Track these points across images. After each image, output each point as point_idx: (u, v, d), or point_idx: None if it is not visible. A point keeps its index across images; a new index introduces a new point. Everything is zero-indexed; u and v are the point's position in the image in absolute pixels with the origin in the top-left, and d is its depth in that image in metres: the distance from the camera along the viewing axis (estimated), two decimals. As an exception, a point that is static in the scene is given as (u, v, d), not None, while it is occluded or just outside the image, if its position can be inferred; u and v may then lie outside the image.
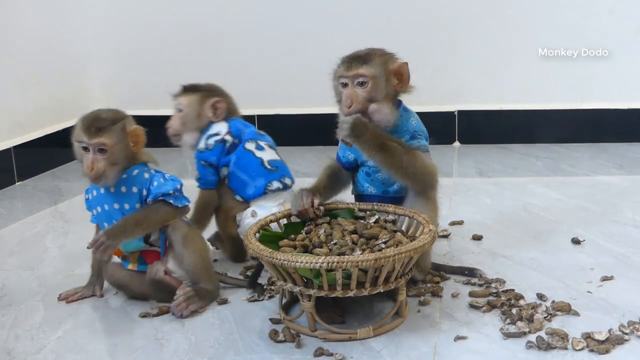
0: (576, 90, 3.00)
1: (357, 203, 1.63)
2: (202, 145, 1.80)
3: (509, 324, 1.40)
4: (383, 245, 1.39)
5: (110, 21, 3.26)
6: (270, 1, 3.13)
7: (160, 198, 1.53)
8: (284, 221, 1.58)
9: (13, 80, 2.71)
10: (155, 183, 1.54)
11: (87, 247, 1.52)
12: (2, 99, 2.57)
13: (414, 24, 3.04)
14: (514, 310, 1.45)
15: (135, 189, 1.54)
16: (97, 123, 1.50)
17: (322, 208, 1.57)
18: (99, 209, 1.56)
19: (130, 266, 1.60)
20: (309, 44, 3.13)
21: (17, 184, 2.66)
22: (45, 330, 1.49)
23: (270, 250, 1.34)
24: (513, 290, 1.55)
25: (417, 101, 3.10)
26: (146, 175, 1.55)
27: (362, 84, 1.57)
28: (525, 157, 2.81)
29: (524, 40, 2.98)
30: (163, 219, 1.54)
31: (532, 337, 1.35)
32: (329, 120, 3.20)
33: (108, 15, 3.25)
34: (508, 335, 1.37)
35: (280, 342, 1.38)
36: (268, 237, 1.48)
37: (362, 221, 1.54)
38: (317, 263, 1.28)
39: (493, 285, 1.59)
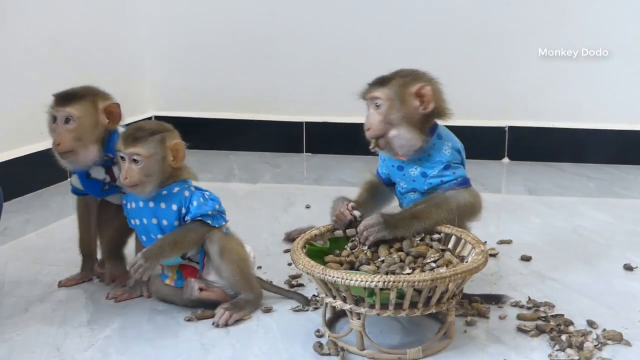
0: (629, 111, 2.94)
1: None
2: None
3: (557, 350, 1.38)
4: (433, 265, 1.38)
5: (163, 25, 3.31)
6: (321, 9, 3.14)
7: (199, 218, 1.54)
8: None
9: (69, 82, 2.77)
10: (194, 203, 1.54)
11: (128, 269, 1.55)
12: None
13: (464, 37, 3.02)
14: (563, 337, 1.42)
15: (174, 207, 1.54)
16: (136, 133, 1.52)
17: (357, 213, 1.54)
18: (137, 221, 1.58)
19: (168, 281, 1.61)
20: (359, 53, 3.13)
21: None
22: (94, 329, 1.51)
23: (323, 267, 1.34)
24: (562, 315, 1.52)
25: (467, 115, 3.10)
26: (186, 194, 1.56)
27: (378, 106, 1.56)
28: (576, 177, 2.76)
29: (578, 58, 2.93)
30: (200, 238, 1.55)
31: (582, 366, 1.32)
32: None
33: (161, 18, 3.30)
34: (556, 362, 1.34)
35: (325, 355, 1.38)
36: (314, 252, 1.48)
37: (408, 240, 1.53)
38: (372, 282, 1.27)
39: (542, 309, 1.56)
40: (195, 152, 2.57)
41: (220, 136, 3.30)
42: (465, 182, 1.60)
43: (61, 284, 1.72)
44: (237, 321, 1.53)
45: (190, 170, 1.61)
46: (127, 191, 1.58)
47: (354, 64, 3.14)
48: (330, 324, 1.49)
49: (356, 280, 1.28)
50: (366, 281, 1.27)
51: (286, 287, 1.71)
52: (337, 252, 1.50)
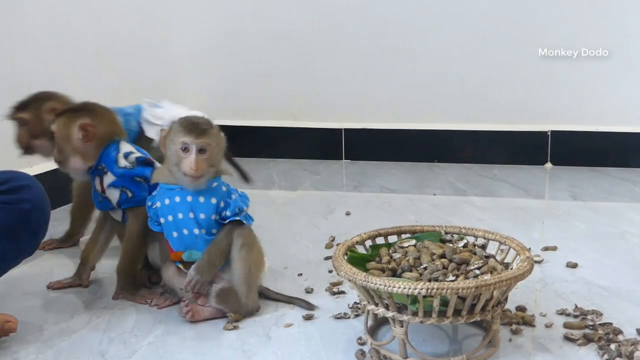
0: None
1: (443, 226, 1.60)
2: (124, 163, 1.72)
3: (606, 359, 1.34)
4: (477, 272, 1.36)
5: (203, 33, 3.35)
6: (360, 16, 3.14)
7: (236, 219, 1.57)
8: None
9: (114, 89, 2.82)
10: (233, 196, 1.59)
11: (181, 289, 1.59)
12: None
13: (506, 40, 2.99)
14: (612, 346, 1.38)
15: (214, 200, 1.57)
16: (200, 125, 1.55)
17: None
18: (170, 217, 1.58)
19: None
20: (397, 59, 3.12)
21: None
22: (137, 335, 1.53)
23: (365, 274, 1.33)
24: (611, 323, 1.48)
25: (509, 120, 3.07)
26: (224, 189, 1.59)
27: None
28: (622, 181, 2.70)
29: (620, 61, 2.87)
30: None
31: (632, 376, 1.29)
32: (417, 136, 3.19)
33: (201, 26, 3.34)
34: (606, 372, 1.31)
35: (367, 363, 1.37)
36: (355, 259, 1.47)
37: (450, 245, 1.51)
38: (415, 289, 1.25)
39: (589, 317, 1.52)
40: (235, 160, 2.57)
41: (259, 144, 3.32)
42: None
43: (50, 286, 1.77)
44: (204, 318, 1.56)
45: (224, 168, 1.64)
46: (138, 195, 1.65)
47: (393, 70, 3.13)
48: (373, 331, 1.48)
49: (399, 288, 1.26)
50: (409, 288, 1.26)
51: (328, 293, 1.70)
52: (379, 258, 1.49)
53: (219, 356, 1.43)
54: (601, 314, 1.54)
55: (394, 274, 1.43)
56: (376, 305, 1.36)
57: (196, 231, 1.57)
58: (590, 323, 1.49)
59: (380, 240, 1.58)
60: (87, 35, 2.70)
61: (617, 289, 1.68)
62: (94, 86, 2.71)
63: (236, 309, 1.58)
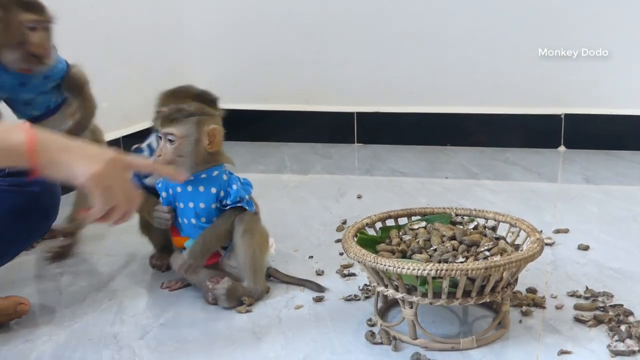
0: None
1: (454, 208, 1.59)
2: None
3: (617, 341, 1.33)
4: (487, 253, 1.36)
5: (213, 18, 3.34)
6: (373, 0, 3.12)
7: (238, 205, 1.56)
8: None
9: (123, 75, 2.83)
10: (234, 186, 1.57)
11: (177, 271, 1.60)
12: (114, 93, 2.67)
13: (516, 23, 2.96)
14: (622, 327, 1.37)
15: (214, 190, 1.56)
16: (173, 114, 1.54)
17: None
18: (181, 204, 1.59)
19: None
20: (409, 44, 3.10)
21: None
22: (149, 317, 1.54)
23: (374, 255, 1.33)
24: (622, 305, 1.48)
25: (522, 103, 3.05)
26: (225, 177, 1.58)
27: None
28: (636, 164, 2.68)
29: (596, 41, 2.84)
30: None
31: (643, 357, 1.28)
32: (430, 120, 3.18)
33: (211, 11, 3.33)
34: (616, 353, 1.30)
35: (377, 344, 1.37)
36: (365, 241, 1.47)
37: (461, 227, 1.51)
38: (424, 270, 1.25)
39: (600, 299, 1.52)
40: (246, 144, 2.60)
41: (271, 128, 3.32)
42: None
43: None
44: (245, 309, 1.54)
45: (227, 156, 1.63)
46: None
47: (405, 53, 3.11)
48: (382, 313, 1.48)
49: (408, 269, 1.26)
50: (418, 269, 1.26)
51: (338, 275, 1.71)
52: (389, 240, 1.49)
53: (230, 338, 1.44)
54: (612, 296, 1.53)
55: (404, 255, 1.43)
56: (385, 286, 1.36)
57: (193, 221, 1.58)
58: (601, 305, 1.49)
59: (390, 223, 1.58)
60: (96, 20, 2.70)
61: (628, 271, 1.68)
62: (103, 72, 2.71)
63: (247, 295, 1.58)
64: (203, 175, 1.57)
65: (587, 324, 1.42)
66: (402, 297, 1.33)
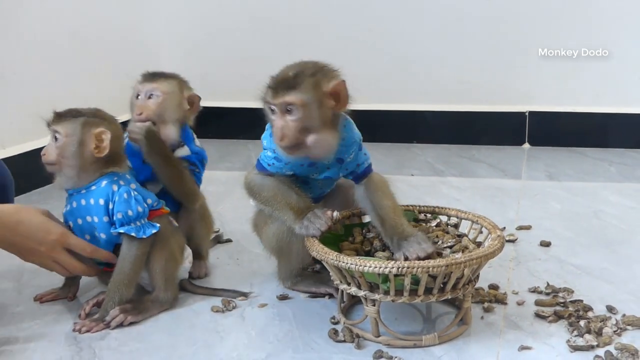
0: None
1: (417, 205, 1.60)
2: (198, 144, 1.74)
3: (576, 336, 1.35)
4: (448, 250, 1.37)
5: (180, 13, 3.31)
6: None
7: (123, 232, 1.46)
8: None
9: (88, 70, 2.79)
10: (117, 198, 1.46)
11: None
12: (78, 89, 2.63)
13: (485, 22, 2.98)
14: (581, 322, 1.40)
15: (101, 201, 1.46)
16: (63, 112, 1.48)
17: (336, 214, 1.44)
18: (71, 223, 1.51)
19: None
20: (375, 40, 3.10)
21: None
22: (110, 317, 1.52)
23: (337, 253, 1.33)
24: (581, 301, 1.50)
25: (487, 101, 3.07)
26: (114, 188, 1.46)
27: (289, 112, 1.38)
28: (599, 162, 2.72)
29: (596, 41, 2.88)
30: (144, 255, 1.49)
31: (600, 352, 1.30)
32: (396, 117, 3.17)
33: (179, 5, 3.30)
34: (575, 348, 1.32)
35: (340, 342, 1.37)
36: (329, 239, 1.46)
37: (424, 224, 1.52)
38: (386, 268, 1.26)
39: (560, 294, 1.54)
40: (214, 142, 2.59)
41: (238, 126, 3.30)
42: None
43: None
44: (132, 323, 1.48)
45: (125, 163, 1.53)
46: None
47: (372, 51, 3.12)
48: (346, 311, 1.48)
49: (370, 267, 1.27)
50: (380, 267, 1.26)
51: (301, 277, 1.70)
52: (352, 238, 1.49)
53: (192, 337, 1.43)
54: (572, 292, 1.55)
55: (367, 253, 1.43)
56: (348, 284, 1.36)
57: (96, 234, 1.49)
58: (561, 300, 1.51)
59: (354, 220, 1.58)
60: (60, 18, 2.66)
61: (589, 267, 1.70)
62: (70, 70, 2.69)
63: (156, 309, 1.52)
64: (93, 187, 1.47)
65: (548, 320, 1.43)
66: (365, 295, 1.33)
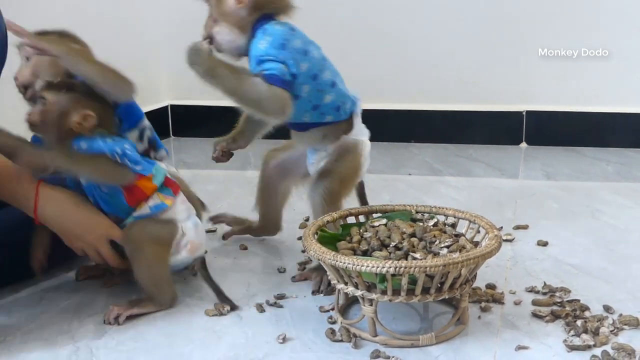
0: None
1: (414, 205, 1.60)
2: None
3: (573, 335, 1.36)
4: (445, 250, 1.37)
5: (179, 11, 3.30)
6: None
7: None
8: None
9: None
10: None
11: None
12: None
13: (482, 20, 2.98)
14: (578, 322, 1.40)
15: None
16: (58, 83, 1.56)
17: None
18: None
19: None
20: (373, 39, 3.10)
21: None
22: (107, 317, 1.52)
23: (334, 253, 1.33)
24: (578, 300, 1.50)
25: (484, 100, 3.06)
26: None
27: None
28: (596, 161, 2.72)
29: (597, 41, 2.88)
30: (112, 172, 1.49)
31: (597, 351, 1.30)
32: (394, 116, 3.17)
33: (176, 5, 3.29)
34: (572, 348, 1.32)
35: (337, 341, 1.37)
36: (326, 239, 1.47)
37: (421, 224, 1.52)
38: (383, 267, 1.26)
39: (557, 294, 1.54)
40: (211, 141, 2.55)
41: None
42: (270, 78, 1.48)
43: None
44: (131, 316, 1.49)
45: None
46: None
47: (370, 50, 3.11)
48: (344, 310, 1.48)
49: (367, 266, 1.27)
50: (377, 267, 1.26)
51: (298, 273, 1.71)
52: (349, 238, 1.49)
53: (190, 337, 1.42)
54: (569, 291, 1.55)
55: (365, 252, 1.43)
56: (345, 284, 1.36)
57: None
58: (558, 300, 1.51)
59: (351, 220, 1.58)
60: (56, 17, 2.66)
61: (586, 267, 1.70)
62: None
63: (154, 306, 1.52)
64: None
65: (545, 319, 1.43)
66: (362, 295, 1.33)
